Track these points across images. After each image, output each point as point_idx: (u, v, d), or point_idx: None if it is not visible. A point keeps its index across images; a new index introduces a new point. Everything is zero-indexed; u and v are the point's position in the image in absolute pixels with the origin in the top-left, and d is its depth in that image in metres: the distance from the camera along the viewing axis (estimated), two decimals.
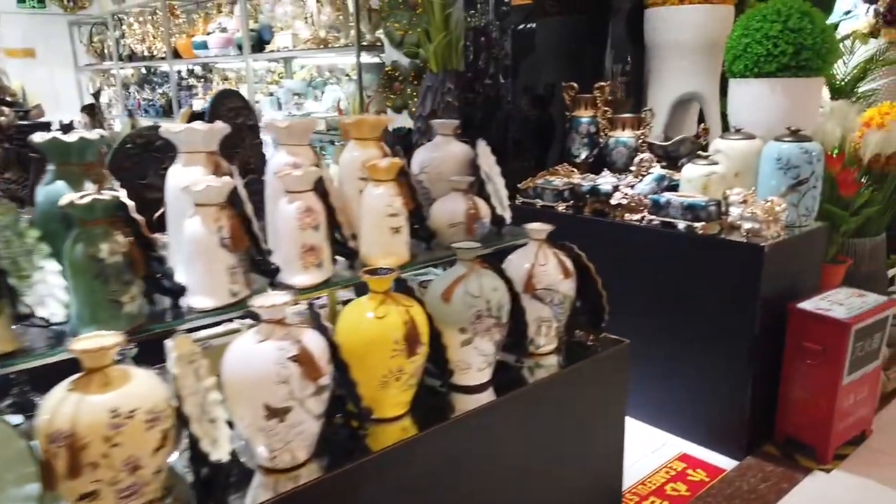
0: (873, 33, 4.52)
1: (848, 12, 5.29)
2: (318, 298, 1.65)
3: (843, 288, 2.52)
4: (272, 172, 1.55)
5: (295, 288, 1.45)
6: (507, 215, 1.94)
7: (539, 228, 1.68)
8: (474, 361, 1.54)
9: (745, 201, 2.40)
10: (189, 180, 1.33)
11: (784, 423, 2.45)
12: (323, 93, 4.63)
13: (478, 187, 1.86)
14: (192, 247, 1.32)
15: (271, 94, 4.91)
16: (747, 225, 2.35)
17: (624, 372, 1.87)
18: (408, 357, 1.35)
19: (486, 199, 1.84)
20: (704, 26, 2.95)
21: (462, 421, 1.50)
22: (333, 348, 1.27)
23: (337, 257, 1.59)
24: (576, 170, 3.09)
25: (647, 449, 2.54)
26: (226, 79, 5.84)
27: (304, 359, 1.17)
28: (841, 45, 4.52)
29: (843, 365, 2.27)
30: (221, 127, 1.49)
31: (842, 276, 2.80)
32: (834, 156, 2.78)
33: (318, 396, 1.21)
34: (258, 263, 1.46)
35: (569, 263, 1.72)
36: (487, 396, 1.57)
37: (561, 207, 2.84)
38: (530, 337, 1.71)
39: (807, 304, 2.35)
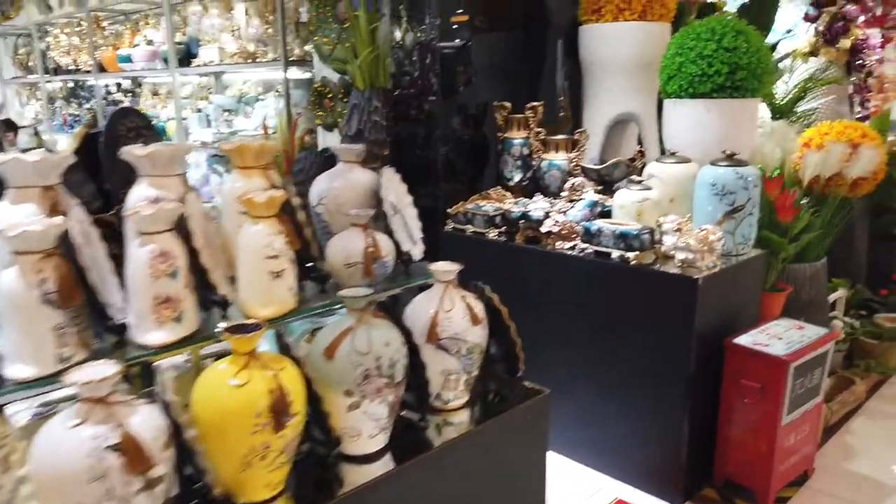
0: (813, 52, 4.51)
1: (789, 31, 5.31)
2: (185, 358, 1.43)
3: (783, 319, 2.40)
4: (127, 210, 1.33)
5: (148, 347, 1.23)
6: (417, 251, 1.75)
7: (445, 269, 1.50)
8: (364, 427, 1.34)
9: (679, 229, 2.26)
10: (5, 223, 1.11)
11: (723, 464, 2.31)
12: (253, 109, 4.39)
13: (383, 221, 1.68)
14: (6, 304, 1.09)
15: (199, 111, 4.65)
16: (681, 255, 2.22)
17: (543, 424, 1.69)
18: (275, 431, 1.14)
19: (391, 234, 1.65)
20: (639, 44, 2.83)
21: (352, 497, 1.30)
22: (176, 427, 1.06)
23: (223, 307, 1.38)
24: (509, 194, 2.93)
25: (582, 495, 2.37)
26: (156, 94, 5.55)
27: (128, 447, 0.96)
28: (781, 64, 4.52)
29: (782, 403, 2.14)
30: (60, 158, 1.26)
31: (782, 304, 2.69)
32: (771, 179, 2.67)
33: (149, 492, 0.99)
34: (104, 319, 1.24)
35: (479, 308, 1.53)
36: (383, 466, 1.37)
37: (492, 234, 2.67)
38: (436, 392, 1.52)
39: (744, 339, 2.22)
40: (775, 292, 2.66)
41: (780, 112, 3.91)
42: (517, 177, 2.95)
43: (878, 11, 5.19)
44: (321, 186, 1.69)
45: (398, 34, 3.10)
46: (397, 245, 1.66)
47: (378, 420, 1.34)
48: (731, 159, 2.34)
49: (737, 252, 2.36)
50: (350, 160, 1.72)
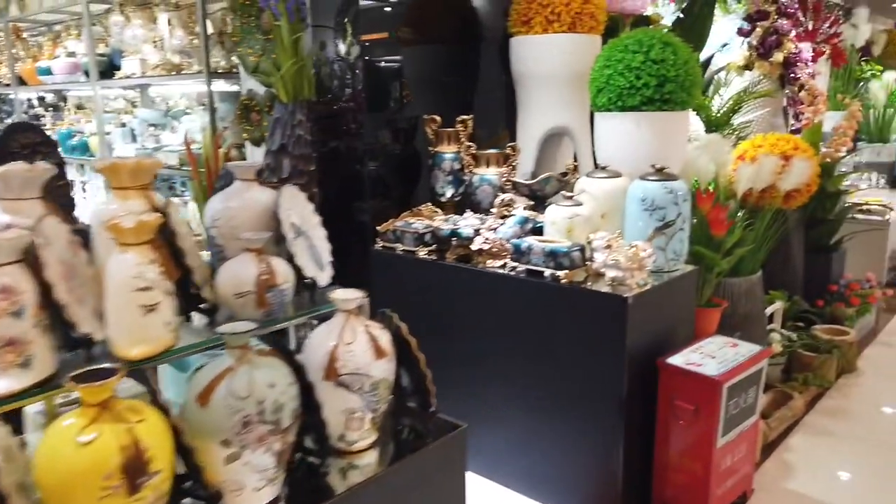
0: (748, 66, 4.56)
1: (725, 45, 5.37)
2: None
3: (717, 337, 2.34)
4: None
5: None
6: (325, 277, 1.61)
7: (346, 297, 1.37)
8: (248, 480, 1.19)
9: (608, 246, 2.18)
10: None
11: (659, 488, 2.23)
12: (180, 123, 4.19)
13: (286, 245, 1.54)
14: None
15: (124, 125, 4.43)
16: (611, 273, 2.14)
17: (460, 461, 1.57)
18: (129, 495, 0.99)
19: (293, 259, 1.52)
20: (569, 56, 2.77)
21: None
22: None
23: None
24: (440, 210, 2.82)
25: None
26: (80, 108, 5.29)
27: None
28: (716, 77, 4.55)
29: (717, 425, 2.07)
30: None
31: (717, 320, 2.64)
32: (704, 193, 2.63)
33: None
34: None
35: (385, 339, 1.41)
36: None
37: (422, 253, 2.56)
38: (338, 433, 1.39)
39: (677, 359, 2.15)
40: (710, 308, 2.61)
41: (715, 125, 3.92)
42: (449, 192, 2.85)
43: (810, 26, 5.31)
44: (215, 207, 1.55)
45: (323, 46, 2.97)
46: (300, 271, 1.52)
47: (263, 471, 1.20)
48: (661, 173, 2.28)
49: (668, 268, 2.30)
50: (247, 178, 1.58)
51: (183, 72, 3.85)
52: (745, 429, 2.20)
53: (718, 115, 3.96)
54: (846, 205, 4.56)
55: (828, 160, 3.77)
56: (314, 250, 1.60)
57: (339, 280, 3.03)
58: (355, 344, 1.34)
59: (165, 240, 1.31)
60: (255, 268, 1.39)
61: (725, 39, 5.29)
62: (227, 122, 3.72)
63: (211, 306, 1.41)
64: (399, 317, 2.74)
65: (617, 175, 2.44)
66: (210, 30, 3.71)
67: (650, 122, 2.45)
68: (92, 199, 4.82)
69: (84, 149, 4.63)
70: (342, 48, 2.99)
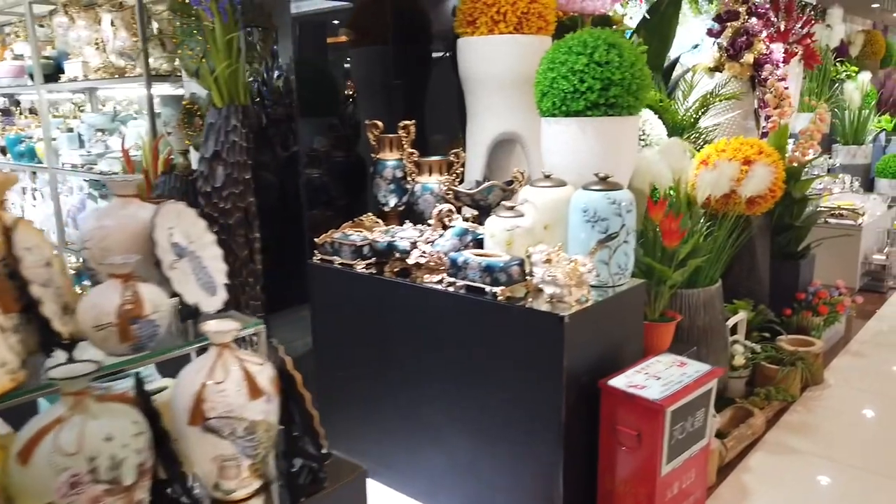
0: (718, 67, 4.45)
1: (696, 46, 5.26)
2: None
3: (665, 355, 2.21)
4: None
5: None
6: (214, 303, 1.47)
7: (219, 329, 1.22)
8: None
9: (548, 260, 2.05)
10: None
11: None
12: (127, 128, 4.03)
13: (162, 269, 1.39)
14: None
15: (71, 130, 4.26)
16: (548, 289, 2.00)
17: None
18: None
19: (172, 284, 1.37)
20: (516, 59, 2.63)
21: None
22: None
23: None
24: (382, 221, 2.68)
25: None
26: (32, 111, 5.11)
27: None
28: (684, 78, 4.43)
29: (661, 452, 1.93)
30: None
31: (671, 334, 2.51)
32: (656, 202, 2.50)
33: None
34: None
35: (264, 376, 1.26)
36: None
37: (360, 266, 2.41)
38: (213, 482, 1.24)
39: (619, 380, 2.01)
40: (663, 322, 2.48)
41: (681, 128, 3.80)
42: (392, 201, 2.70)
43: (782, 26, 5.20)
44: (86, 226, 1.40)
45: (260, 47, 2.82)
46: (181, 298, 1.37)
47: None
48: (604, 183, 2.15)
49: (613, 283, 2.17)
50: (125, 193, 1.43)
51: (126, 75, 3.69)
52: (693, 454, 2.07)
53: (684, 117, 3.85)
54: (817, 209, 4.46)
55: (794, 164, 3.65)
56: (204, 273, 1.45)
57: (276, 296, 2.89)
58: (227, 382, 1.19)
59: (5, 267, 1.16)
60: (118, 296, 1.24)
61: (697, 40, 5.18)
62: (170, 128, 3.56)
63: (70, 341, 1.26)
64: (338, 333, 2.61)
65: (561, 184, 2.31)
66: (154, 31, 3.56)
67: (595, 127, 2.32)
68: (43, 209, 4.65)
69: (32, 155, 4.46)
70: (279, 50, 2.85)
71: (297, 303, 2.83)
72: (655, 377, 2.03)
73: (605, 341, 2.13)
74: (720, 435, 2.58)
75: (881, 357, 3.60)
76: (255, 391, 1.21)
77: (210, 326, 1.23)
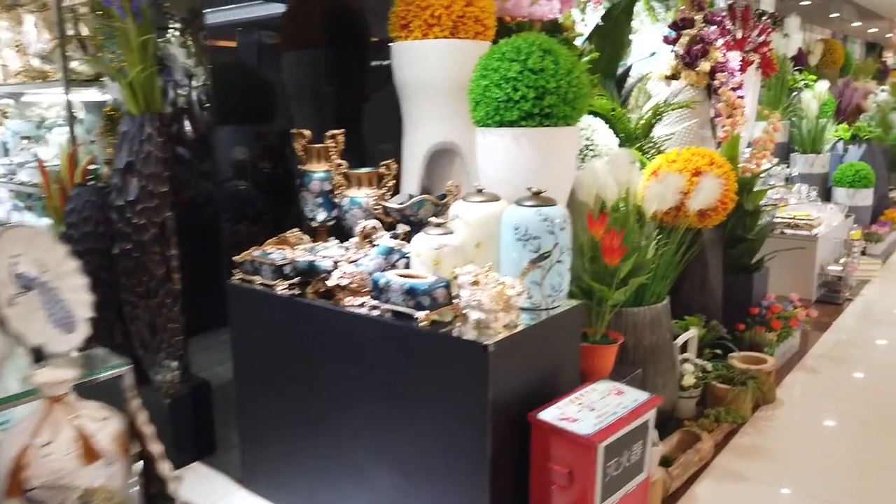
0: (675, 75, 4.37)
1: (653, 53, 5.19)
2: None
3: (602, 383, 2.07)
4: None
5: None
6: (68, 342, 1.28)
7: (50, 380, 1.04)
8: None
9: (476, 282, 1.89)
10: None
11: None
12: (52, 135, 3.79)
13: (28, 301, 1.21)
14: None
15: None
16: (474, 315, 1.85)
17: None
18: None
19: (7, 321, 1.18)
20: (452, 65, 2.48)
21: None
22: None
23: None
24: (311, 237, 2.52)
25: None
26: None
27: None
28: (638, 86, 4.34)
29: (594, 490, 1.79)
30: None
31: (613, 357, 2.38)
32: (596, 217, 2.37)
33: None
34: None
35: (104, 435, 1.08)
36: None
37: (281, 288, 2.24)
38: None
39: (550, 413, 1.87)
40: (604, 345, 2.35)
41: (634, 138, 3.70)
42: (321, 216, 2.53)
43: (739, 34, 5.15)
44: None
45: (179, 51, 2.64)
46: (21, 338, 1.19)
47: None
48: (537, 198, 2.01)
49: (546, 305, 2.02)
50: None
51: (48, 79, 3.46)
52: (630, 490, 1.93)
53: (637, 126, 3.75)
54: (772, 220, 4.39)
55: (747, 175, 3.57)
56: (59, 307, 1.27)
57: (198, 317, 2.70)
58: (55, 444, 1.01)
59: None
60: None
61: (654, 48, 5.11)
62: (93, 136, 3.34)
63: None
64: (259, 360, 2.43)
65: (495, 199, 2.17)
66: (76, 32, 3.34)
67: (531, 138, 2.18)
68: None
69: None
70: (201, 54, 2.67)
71: (221, 325, 2.64)
72: (590, 408, 1.89)
73: (537, 369, 1.98)
74: (666, 461, 2.45)
75: (835, 372, 3.52)
76: (90, 453, 1.04)
77: (38, 377, 1.05)
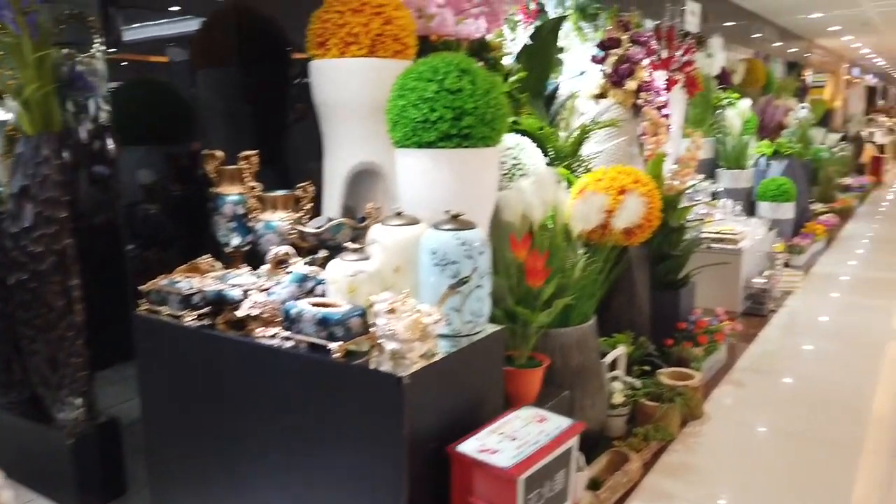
0: (603, 94, 4.43)
1: (582, 72, 5.26)
2: None
3: (525, 409, 2.03)
4: None
5: None
6: None
7: None
8: None
9: (392, 310, 1.82)
10: None
11: None
12: None
13: None
14: None
15: None
16: (389, 345, 1.77)
17: None
18: None
19: None
20: (371, 84, 2.42)
21: None
22: None
23: None
24: (226, 263, 2.39)
25: None
26: None
27: None
28: (567, 105, 4.38)
29: None
30: None
31: (539, 381, 2.34)
32: (518, 239, 2.34)
33: None
34: None
35: None
36: None
37: (189, 319, 2.11)
38: None
39: (470, 445, 1.80)
40: (529, 368, 2.31)
41: (563, 156, 3.71)
42: (235, 241, 2.41)
43: (664, 54, 5.29)
44: None
45: (77, 67, 2.49)
46: None
47: None
48: (455, 221, 1.96)
49: (467, 332, 1.97)
50: None
51: None
52: None
53: (565, 145, 3.76)
54: (699, 235, 4.49)
55: (671, 193, 3.62)
56: None
57: (103, 351, 2.53)
58: None
59: None
60: None
61: (584, 67, 5.18)
62: None
63: None
64: (168, 396, 2.28)
65: (414, 222, 2.10)
66: None
67: (450, 160, 2.14)
68: None
69: None
70: (105, 71, 2.52)
71: (129, 358, 2.48)
72: (511, 438, 1.84)
73: (458, 398, 1.92)
74: (595, 485, 2.43)
75: (761, 384, 3.60)
76: None
77: None
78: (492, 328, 2.04)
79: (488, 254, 1.98)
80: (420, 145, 2.15)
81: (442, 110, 2.08)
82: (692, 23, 6.84)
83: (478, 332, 1.99)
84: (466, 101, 2.08)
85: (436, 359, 1.82)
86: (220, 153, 2.41)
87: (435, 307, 1.87)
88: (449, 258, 1.91)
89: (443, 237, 1.92)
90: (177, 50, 2.67)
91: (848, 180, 10.10)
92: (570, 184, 3.32)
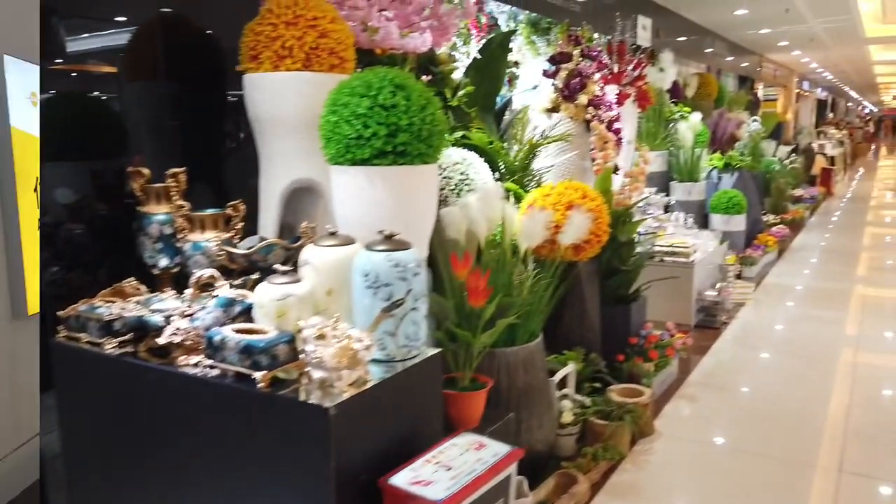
0: (556, 108, 4.42)
1: (535, 86, 5.26)
2: None
3: (464, 436, 1.95)
4: None
5: None
6: None
7: None
8: None
9: (321, 336, 1.73)
10: None
11: None
12: None
13: None
14: None
15: None
16: (316, 374, 1.69)
17: None
18: None
19: None
20: (306, 99, 2.33)
21: None
22: None
23: None
24: (153, 286, 2.28)
25: None
26: None
27: None
28: (517, 119, 4.35)
29: None
30: None
31: (482, 403, 2.27)
32: (460, 258, 2.27)
33: None
34: None
35: None
36: None
37: (109, 346, 1.98)
38: None
39: (402, 477, 1.72)
40: (471, 391, 2.24)
41: (513, 171, 3.68)
42: (163, 262, 2.30)
43: (616, 69, 5.32)
44: None
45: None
46: None
47: None
48: (389, 242, 1.88)
49: (402, 357, 1.89)
50: None
51: None
52: None
53: (515, 159, 3.73)
54: (651, 249, 4.50)
55: (620, 207, 3.61)
56: None
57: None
58: None
59: None
60: None
61: (537, 81, 5.18)
62: None
63: None
64: (90, 428, 2.15)
65: (348, 242, 2.02)
66: None
67: (385, 177, 2.07)
68: None
69: None
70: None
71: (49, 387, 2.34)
72: (446, 467, 1.76)
73: (393, 427, 1.84)
74: None
75: (709, 401, 3.58)
76: None
77: None
78: (429, 352, 1.96)
79: (424, 275, 1.91)
80: (354, 162, 2.07)
81: (375, 126, 2.01)
82: (644, 37, 6.94)
83: (414, 357, 1.91)
84: (401, 118, 2.02)
85: (367, 386, 1.73)
86: (146, 170, 2.30)
87: (366, 332, 1.79)
88: (382, 280, 1.83)
89: (375, 258, 1.85)
90: (108, 62, 2.55)
91: (799, 192, 10.34)
92: (518, 199, 3.28)
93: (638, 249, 3.88)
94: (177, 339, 1.88)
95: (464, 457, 1.82)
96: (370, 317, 1.87)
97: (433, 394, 2.00)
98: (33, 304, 3.11)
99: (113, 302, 2.11)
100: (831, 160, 13.96)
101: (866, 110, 39.14)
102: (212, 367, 1.82)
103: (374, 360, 1.84)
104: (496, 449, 1.86)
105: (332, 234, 2.04)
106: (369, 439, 1.75)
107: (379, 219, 2.06)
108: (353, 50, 2.50)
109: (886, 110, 36.59)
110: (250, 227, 2.42)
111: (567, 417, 2.88)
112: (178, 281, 2.32)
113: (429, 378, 1.97)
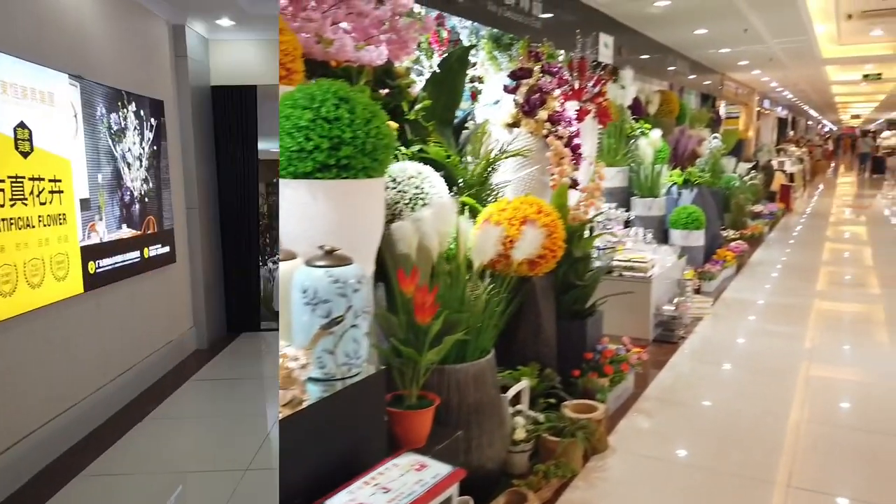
0: (516, 123, 4.43)
1: (497, 101, 5.27)
2: None
3: (405, 457, 1.92)
4: None
5: None
6: None
7: None
8: None
9: None
10: None
11: None
12: None
13: None
14: None
15: None
16: None
17: None
18: None
19: None
20: None
21: None
22: None
23: None
24: None
25: None
26: None
27: None
28: (476, 133, 4.35)
29: None
30: None
31: (429, 421, 2.24)
32: (407, 274, 2.24)
33: None
34: None
35: None
36: None
37: None
38: None
39: (339, 500, 1.67)
40: (417, 409, 2.20)
41: (470, 185, 3.67)
42: None
43: (576, 85, 5.36)
44: None
45: None
46: None
47: None
48: (330, 257, 1.85)
49: (342, 375, 1.85)
50: None
51: None
52: None
53: (473, 173, 3.72)
54: (609, 263, 4.52)
55: (575, 222, 3.62)
56: None
57: None
58: None
59: None
60: None
61: (498, 96, 5.19)
62: None
63: None
64: None
65: (290, 257, 1.98)
66: None
67: (327, 191, 2.03)
68: None
69: None
70: None
71: None
72: (385, 489, 1.72)
73: (332, 447, 1.79)
74: None
75: (665, 416, 3.58)
76: None
77: None
78: (370, 370, 1.93)
79: (366, 291, 1.88)
80: (296, 176, 2.03)
81: (318, 139, 1.98)
82: (605, 54, 7.03)
83: (354, 375, 1.87)
84: (344, 131, 1.99)
85: (303, 406, 1.69)
86: None
87: (304, 350, 1.74)
88: (320, 297, 1.79)
89: (314, 274, 1.81)
90: None
91: (758, 207, 10.54)
92: (475, 214, 3.27)
93: (596, 264, 3.89)
94: None
95: (404, 478, 1.78)
96: (309, 334, 1.82)
97: (375, 413, 1.96)
98: None
99: None
100: (790, 177, 14.28)
101: (826, 129, 40.28)
102: None
103: (313, 379, 1.80)
104: (437, 469, 1.83)
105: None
106: (306, 460, 1.70)
107: (322, 233, 2.02)
108: (301, 61, 2.47)
109: (845, 129, 37.69)
110: None
111: (520, 434, 2.85)
112: None
113: (371, 397, 1.93)
